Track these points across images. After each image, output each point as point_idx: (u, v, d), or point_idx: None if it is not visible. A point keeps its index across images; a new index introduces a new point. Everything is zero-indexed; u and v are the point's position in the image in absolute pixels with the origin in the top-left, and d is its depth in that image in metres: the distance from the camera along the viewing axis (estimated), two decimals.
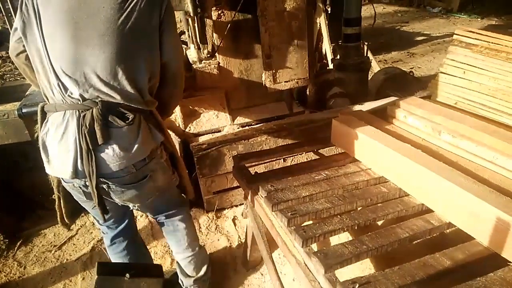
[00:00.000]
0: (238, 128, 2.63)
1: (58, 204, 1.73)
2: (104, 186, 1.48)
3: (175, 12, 2.14)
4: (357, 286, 1.16)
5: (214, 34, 2.50)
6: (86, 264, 2.35)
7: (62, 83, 1.35)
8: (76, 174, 1.41)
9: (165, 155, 1.63)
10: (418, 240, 1.48)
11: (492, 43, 2.05)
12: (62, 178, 1.53)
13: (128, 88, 1.39)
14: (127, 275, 0.81)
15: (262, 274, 2.12)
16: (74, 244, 2.53)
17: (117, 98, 1.39)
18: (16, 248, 2.52)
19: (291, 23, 2.48)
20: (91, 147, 1.35)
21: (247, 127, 2.62)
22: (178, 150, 2.02)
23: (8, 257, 2.45)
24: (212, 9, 2.38)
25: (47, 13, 1.32)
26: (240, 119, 2.71)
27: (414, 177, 1.57)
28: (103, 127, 1.36)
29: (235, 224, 2.50)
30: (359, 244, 1.34)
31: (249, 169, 1.93)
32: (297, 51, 2.56)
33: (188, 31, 2.71)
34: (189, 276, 1.92)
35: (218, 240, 2.40)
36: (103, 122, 1.36)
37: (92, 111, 1.35)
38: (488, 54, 2.04)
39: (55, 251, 2.47)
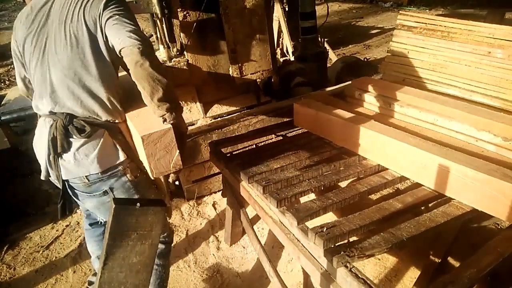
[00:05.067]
0: (211, 120, 2.80)
1: None
2: (70, 190, 1.60)
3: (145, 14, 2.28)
4: (325, 229, 1.36)
5: (181, 34, 2.67)
6: (76, 259, 2.45)
7: (36, 105, 1.55)
8: (47, 174, 1.56)
9: (131, 176, 1.60)
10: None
11: (428, 24, 2.33)
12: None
13: (88, 99, 1.47)
14: (138, 204, 0.97)
15: (244, 247, 2.30)
16: (61, 243, 2.62)
17: (79, 112, 1.48)
18: (3, 252, 2.58)
19: (251, 19, 2.69)
20: (54, 154, 1.48)
21: (219, 119, 2.80)
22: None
23: None
24: (178, 10, 2.56)
25: (27, 48, 1.52)
26: (212, 112, 2.89)
27: (369, 142, 1.80)
28: (63, 137, 1.46)
29: (215, 209, 2.67)
30: (325, 199, 1.55)
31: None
32: (259, 45, 2.77)
33: (156, 33, 2.87)
34: None
35: (201, 224, 2.56)
36: (64, 132, 1.46)
37: (57, 122, 1.47)
38: (426, 34, 2.31)
39: (43, 251, 2.56)
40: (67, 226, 2.76)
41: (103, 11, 1.43)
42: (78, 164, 1.49)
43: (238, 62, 2.74)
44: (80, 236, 2.63)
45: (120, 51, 1.41)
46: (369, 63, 3.72)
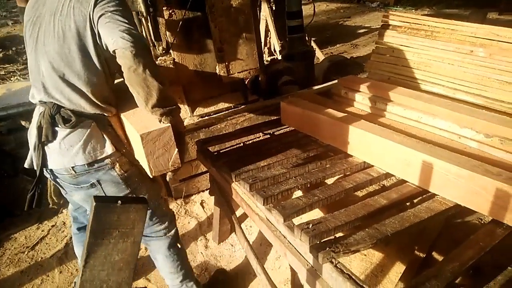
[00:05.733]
0: (198, 118, 2.79)
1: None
2: (57, 182, 1.59)
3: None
4: (310, 226, 1.37)
5: (167, 32, 2.65)
6: (62, 259, 2.42)
7: (32, 93, 1.54)
8: (31, 163, 1.55)
9: (120, 169, 1.56)
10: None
11: (413, 23, 2.36)
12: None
13: (72, 93, 1.45)
14: (119, 201, 0.96)
15: (232, 245, 2.30)
16: (47, 243, 2.58)
17: (66, 104, 1.46)
18: None
19: (238, 18, 2.69)
20: (39, 142, 1.46)
21: (206, 117, 2.80)
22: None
23: None
24: (163, 8, 2.54)
25: (26, 35, 1.52)
26: (199, 111, 2.88)
27: (355, 140, 1.82)
28: (49, 126, 1.45)
29: (203, 207, 2.67)
30: (311, 196, 1.56)
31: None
32: (246, 44, 2.77)
33: (142, 31, 2.85)
34: None
35: (189, 222, 2.56)
36: (50, 122, 1.45)
37: (45, 111, 1.46)
38: (410, 33, 2.34)
39: (28, 251, 2.52)
40: (52, 226, 2.72)
41: (94, 8, 1.37)
42: (63, 155, 1.47)
43: (225, 61, 2.73)
44: (66, 236, 2.60)
45: (113, 51, 1.36)
46: (356, 62, 3.76)
